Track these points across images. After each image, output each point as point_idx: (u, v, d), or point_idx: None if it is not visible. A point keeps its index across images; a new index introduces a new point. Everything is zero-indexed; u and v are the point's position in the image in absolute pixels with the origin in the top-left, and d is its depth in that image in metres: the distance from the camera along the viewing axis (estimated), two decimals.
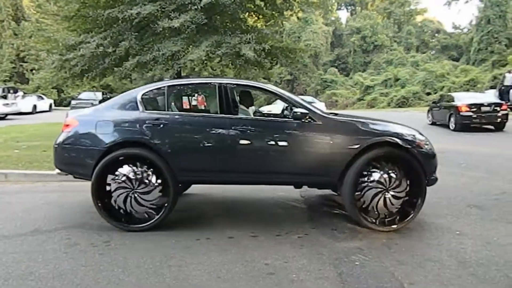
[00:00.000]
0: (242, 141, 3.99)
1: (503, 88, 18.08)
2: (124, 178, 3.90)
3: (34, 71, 28.52)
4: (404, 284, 2.85)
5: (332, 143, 3.98)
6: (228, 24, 10.03)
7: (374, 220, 4.00)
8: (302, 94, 29.95)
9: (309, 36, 40.56)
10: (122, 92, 4.85)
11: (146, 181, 3.93)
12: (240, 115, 4.48)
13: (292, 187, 4.59)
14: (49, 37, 10.08)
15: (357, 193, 3.98)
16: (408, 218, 4.00)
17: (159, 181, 3.97)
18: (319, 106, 10.49)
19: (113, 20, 8.87)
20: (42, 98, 25.88)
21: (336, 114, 4.54)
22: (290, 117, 4.14)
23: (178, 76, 9.36)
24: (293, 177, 4.16)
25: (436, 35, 47.87)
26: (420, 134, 4.29)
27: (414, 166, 3.99)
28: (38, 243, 3.67)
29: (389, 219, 4.02)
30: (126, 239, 3.74)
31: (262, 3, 9.87)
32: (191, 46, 8.79)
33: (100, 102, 20.61)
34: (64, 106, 29.72)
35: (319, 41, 41.72)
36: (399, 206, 4.00)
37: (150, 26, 8.91)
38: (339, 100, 36.70)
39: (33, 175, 6.49)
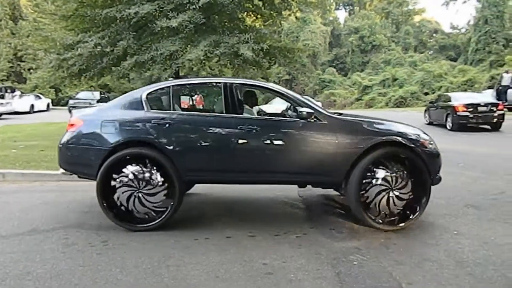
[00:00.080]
0: (248, 141, 3.98)
1: (500, 88, 18.17)
2: (129, 177, 3.89)
3: (31, 71, 28.50)
4: (402, 284, 2.85)
5: (338, 142, 3.98)
6: (226, 23, 10.04)
7: (381, 221, 3.98)
8: (300, 94, 29.84)
9: (307, 36, 40.64)
10: (120, 92, 4.84)
11: (152, 180, 3.91)
12: (245, 115, 4.47)
13: (291, 186, 4.58)
14: (46, 37, 10.06)
15: (362, 192, 3.98)
16: (414, 216, 4.01)
17: (164, 180, 3.95)
18: None
19: (111, 20, 8.86)
20: (40, 98, 25.75)
21: (340, 114, 4.55)
22: (295, 116, 4.14)
23: (176, 75, 9.36)
24: (298, 176, 4.15)
25: (434, 35, 48.01)
26: (424, 133, 4.30)
27: (419, 165, 4.00)
28: (35, 243, 3.66)
29: (393, 218, 4.01)
30: (124, 239, 3.73)
31: (260, 3, 9.88)
32: (189, 45, 8.79)
33: (98, 101, 20.76)
34: (62, 105, 29.60)
35: (317, 41, 41.81)
36: (403, 206, 3.99)
37: (148, 25, 8.90)
38: (337, 100, 36.74)
39: (31, 174, 6.47)
